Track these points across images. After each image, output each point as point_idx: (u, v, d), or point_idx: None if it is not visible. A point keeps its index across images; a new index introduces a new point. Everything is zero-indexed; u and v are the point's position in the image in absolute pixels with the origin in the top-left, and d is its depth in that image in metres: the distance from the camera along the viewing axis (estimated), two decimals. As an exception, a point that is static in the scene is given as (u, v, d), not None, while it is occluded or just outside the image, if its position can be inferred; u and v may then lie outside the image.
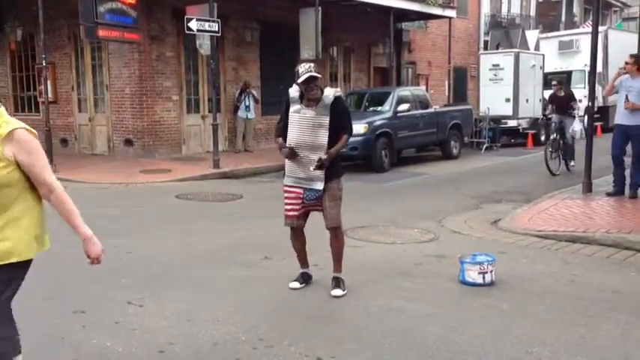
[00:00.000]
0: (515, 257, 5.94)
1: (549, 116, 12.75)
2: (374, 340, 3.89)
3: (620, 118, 8.32)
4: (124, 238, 6.73)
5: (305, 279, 5.09)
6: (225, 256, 6.01)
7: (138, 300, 4.64)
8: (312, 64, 4.72)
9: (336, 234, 4.91)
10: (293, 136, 4.75)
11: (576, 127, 11.98)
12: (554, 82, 12.68)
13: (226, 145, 15.63)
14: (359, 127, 12.60)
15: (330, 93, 4.77)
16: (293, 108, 4.77)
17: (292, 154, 4.74)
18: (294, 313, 4.39)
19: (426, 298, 4.74)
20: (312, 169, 4.67)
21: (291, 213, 4.87)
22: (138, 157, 13.89)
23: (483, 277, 4.99)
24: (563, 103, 12.13)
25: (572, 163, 12.05)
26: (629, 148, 8.41)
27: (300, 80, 4.63)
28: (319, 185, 4.75)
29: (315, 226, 5.10)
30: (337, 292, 4.81)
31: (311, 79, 4.59)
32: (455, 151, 15.52)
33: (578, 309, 4.44)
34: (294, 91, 4.82)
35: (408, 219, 7.83)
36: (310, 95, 4.68)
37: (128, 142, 14.27)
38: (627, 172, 8.46)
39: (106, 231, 7.14)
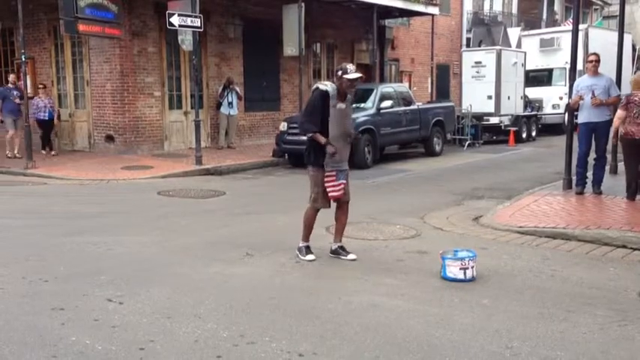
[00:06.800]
0: (496, 253, 5.98)
1: None
2: (355, 335, 3.89)
3: (586, 116, 8.51)
4: (103, 235, 6.67)
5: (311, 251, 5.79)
6: (207, 253, 5.98)
7: (118, 297, 4.60)
8: (354, 65, 5.69)
9: (347, 207, 5.85)
10: (334, 127, 5.53)
11: None
12: None
13: (209, 141, 15.56)
14: (342, 124, 12.58)
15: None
16: (331, 103, 5.49)
17: (335, 153, 5.50)
18: (276, 310, 4.37)
19: (407, 293, 4.76)
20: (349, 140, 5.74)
21: (335, 194, 5.65)
22: (119, 154, 13.77)
23: (464, 273, 5.02)
24: None
25: None
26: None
27: (350, 76, 5.44)
28: (346, 165, 5.75)
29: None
30: (352, 255, 5.72)
31: (360, 78, 5.56)
32: (437, 148, 15.58)
33: (558, 304, 4.48)
34: (333, 89, 5.50)
35: (391, 215, 7.85)
36: (349, 91, 5.58)
37: (109, 139, 14.14)
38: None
39: (86, 228, 7.13)
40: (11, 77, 13.86)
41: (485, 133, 18.55)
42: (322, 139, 5.47)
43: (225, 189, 10.30)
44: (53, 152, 14.06)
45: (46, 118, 13.88)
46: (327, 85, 5.55)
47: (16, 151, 13.60)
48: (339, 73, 5.50)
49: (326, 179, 5.64)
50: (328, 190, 5.65)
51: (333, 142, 5.52)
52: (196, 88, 12.91)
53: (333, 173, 5.63)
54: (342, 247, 5.81)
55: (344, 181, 5.72)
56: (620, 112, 7.92)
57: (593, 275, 5.26)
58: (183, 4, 12.53)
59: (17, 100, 13.21)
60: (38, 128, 14.07)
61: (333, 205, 5.84)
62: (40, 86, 14.17)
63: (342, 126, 5.60)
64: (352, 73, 5.46)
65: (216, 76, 15.78)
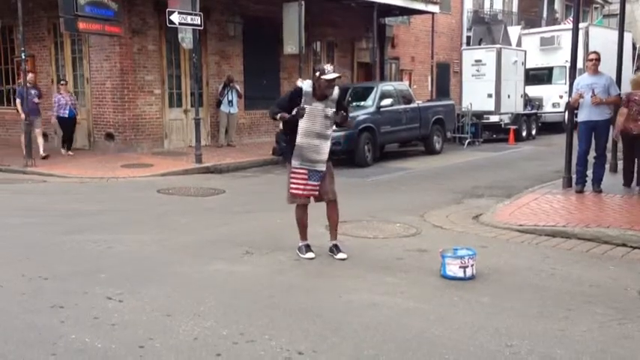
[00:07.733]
0: (496, 251, 5.97)
1: None
2: (355, 334, 3.89)
3: (586, 114, 8.52)
4: (103, 233, 6.67)
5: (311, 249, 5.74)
6: (207, 251, 5.98)
7: (117, 295, 4.60)
8: (332, 66, 5.56)
9: (335, 206, 5.73)
10: (304, 125, 5.43)
11: None
12: None
13: (209, 139, 15.55)
14: (342, 122, 12.59)
15: (334, 90, 5.52)
16: (304, 100, 5.41)
17: (303, 110, 5.36)
18: (276, 308, 4.37)
19: (407, 292, 4.76)
20: (333, 116, 5.47)
21: (296, 191, 5.55)
22: (119, 152, 13.77)
23: (464, 271, 5.02)
24: None
25: None
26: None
27: (328, 77, 5.33)
28: (322, 167, 5.54)
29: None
30: (342, 255, 5.63)
31: (338, 78, 5.42)
32: (437, 147, 15.58)
33: (558, 302, 4.48)
34: (308, 86, 5.45)
35: (391, 214, 7.85)
36: (327, 92, 5.42)
37: (109, 137, 14.14)
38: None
39: (85, 226, 7.12)
40: (30, 76, 13.29)
41: (486, 131, 18.57)
42: (287, 115, 5.42)
43: (224, 187, 10.30)
44: (70, 152, 13.83)
45: (67, 116, 13.67)
46: (303, 83, 5.56)
47: (41, 151, 13.03)
48: (317, 74, 5.39)
49: (292, 174, 5.53)
50: (291, 185, 5.54)
51: (302, 139, 5.43)
52: (196, 86, 12.91)
53: (303, 172, 5.50)
54: (335, 246, 5.75)
55: (317, 183, 5.56)
56: (622, 109, 8.46)
57: (592, 273, 5.26)
58: (184, 1, 12.51)
59: (36, 100, 13.07)
60: (58, 127, 13.96)
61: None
62: (63, 83, 13.90)
63: (314, 124, 5.44)
64: (330, 74, 5.35)
65: (216, 74, 15.78)
